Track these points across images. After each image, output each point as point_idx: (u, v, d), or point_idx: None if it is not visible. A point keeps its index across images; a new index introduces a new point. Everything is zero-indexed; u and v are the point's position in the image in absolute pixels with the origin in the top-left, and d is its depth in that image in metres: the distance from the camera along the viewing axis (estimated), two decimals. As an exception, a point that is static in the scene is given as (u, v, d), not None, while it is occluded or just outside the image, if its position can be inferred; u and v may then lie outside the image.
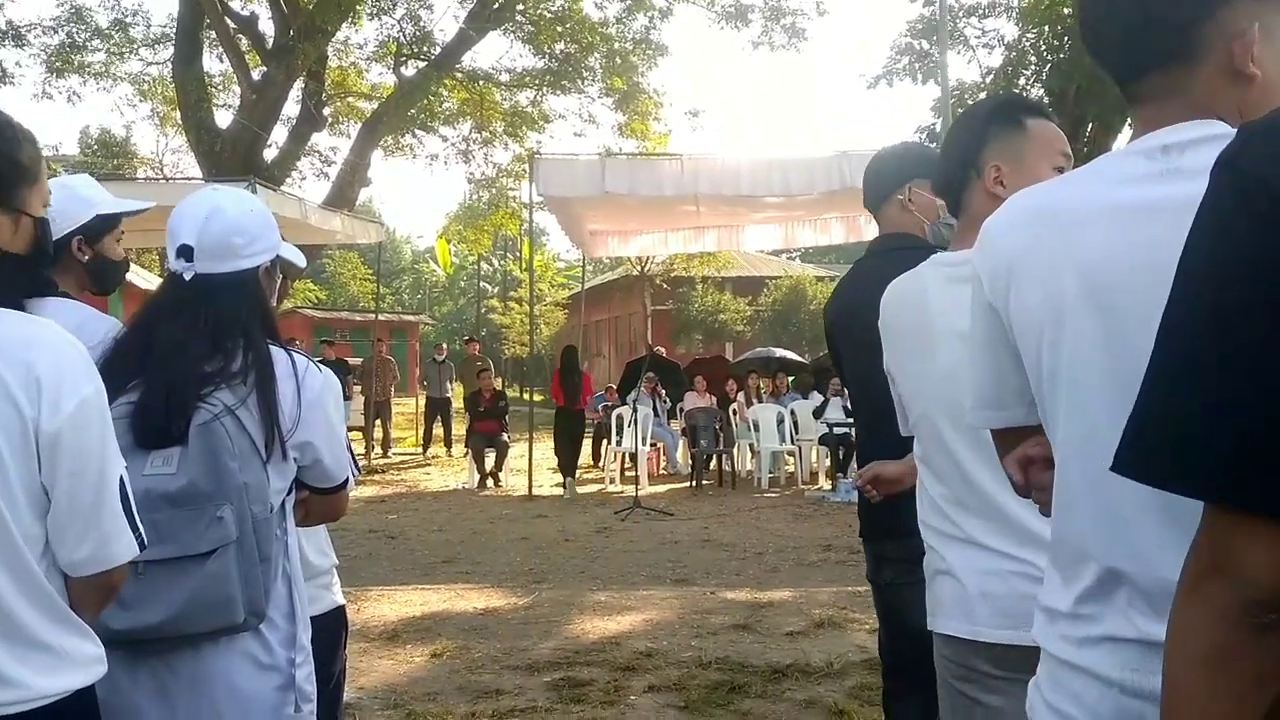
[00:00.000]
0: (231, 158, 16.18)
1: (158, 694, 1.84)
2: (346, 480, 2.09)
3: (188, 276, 1.92)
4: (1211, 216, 0.95)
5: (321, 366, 2.05)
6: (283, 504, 1.92)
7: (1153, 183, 1.20)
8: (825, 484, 13.15)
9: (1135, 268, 1.17)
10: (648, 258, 27.40)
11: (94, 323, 2.17)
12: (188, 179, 17.66)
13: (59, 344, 1.54)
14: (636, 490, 11.47)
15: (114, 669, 1.78)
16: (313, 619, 2.13)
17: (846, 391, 3.43)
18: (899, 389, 2.20)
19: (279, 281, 2.11)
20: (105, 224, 2.35)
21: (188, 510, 1.77)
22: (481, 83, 19.92)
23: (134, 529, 1.59)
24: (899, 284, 2.23)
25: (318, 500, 2.07)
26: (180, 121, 18.36)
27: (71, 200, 2.30)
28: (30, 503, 1.50)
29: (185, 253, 1.92)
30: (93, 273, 2.37)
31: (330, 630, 2.41)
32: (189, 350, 1.87)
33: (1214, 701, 0.90)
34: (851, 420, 13.22)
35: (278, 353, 1.94)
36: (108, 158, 29.17)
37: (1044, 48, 17.22)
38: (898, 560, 2.42)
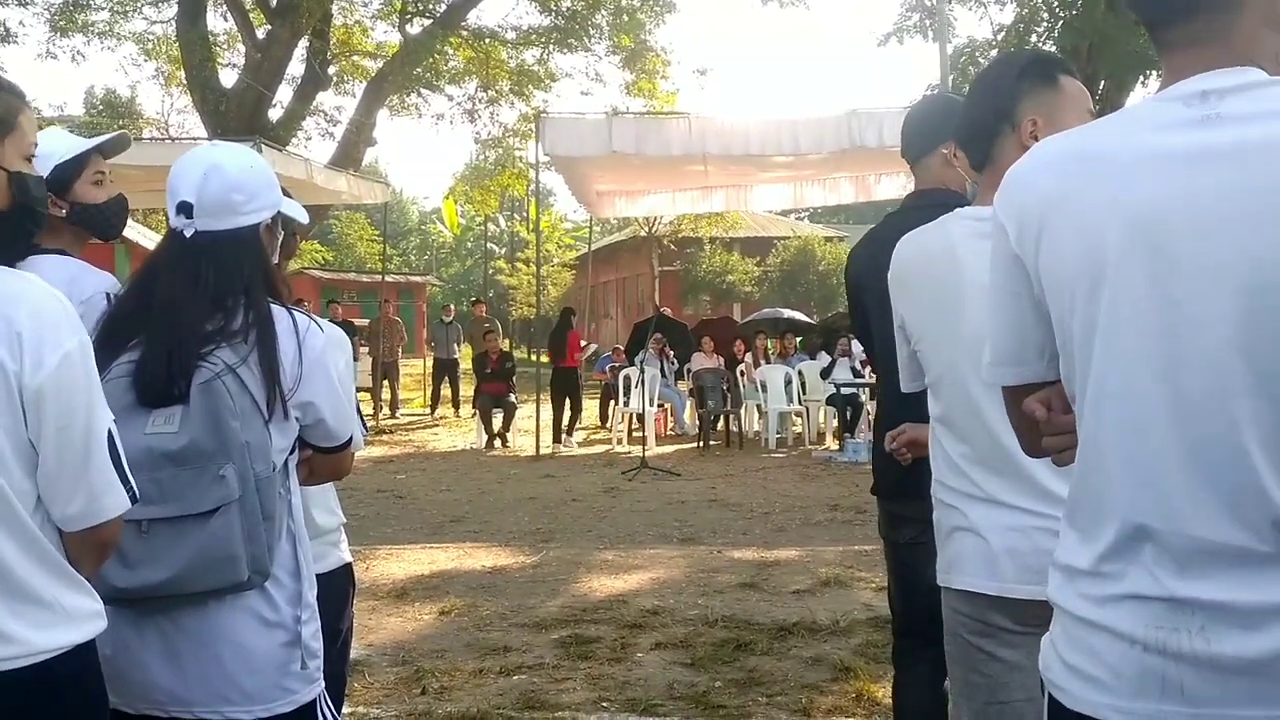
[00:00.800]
0: (237, 117, 16.12)
1: (164, 652, 1.84)
2: (350, 440, 2.08)
3: (188, 234, 1.90)
4: None
5: (325, 324, 2.03)
6: (286, 463, 1.92)
7: (1195, 129, 1.18)
8: (832, 444, 13.16)
9: (1190, 215, 1.15)
10: (655, 218, 27.33)
11: (86, 278, 2.16)
12: (193, 139, 17.60)
13: (40, 298, 1.53)
14: (644, 450, 11.49)
15: (120, 627, 1.79)
16: (320, 576, 2.14)
17: (863, 350, 3.40)
18: (917, 345, 2.17)
19: (281, 238, 2.09)
20: (68, 172, 2.27)
21: (190, 469, 1.77)
22: (487, 41, 19.75)
23: (125, 483, 1.59)
24: (920, 237, 2.21)
25: (321, 459, 2.06)
26: (185, 81, 18.27)
27: (41, 155, 2.24)
28: (19, 459, 1.49)
29: (185, 209, 1.90)
30: (80, 222, 2.32)
31: (338, 587, 2.41)
32: (189, 308, 1.86)
33: None
34: (859, 381, 13.24)
35: (279, 311, 1.93)
36: (113, 118, 29.01)
37: (1056, 4, 17.01)
38: (919, 520, 2.42)
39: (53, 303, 1.54)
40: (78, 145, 2.34)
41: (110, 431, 1.58)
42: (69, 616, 1.55)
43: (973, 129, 2.08)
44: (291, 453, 1.94)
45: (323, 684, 1.96)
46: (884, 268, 2.30)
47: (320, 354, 1.95)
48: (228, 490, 1.77)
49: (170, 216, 1.93)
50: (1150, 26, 1.27)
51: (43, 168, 2.24)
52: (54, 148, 2.27)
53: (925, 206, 2.49)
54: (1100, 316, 1.20)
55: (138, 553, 1.76)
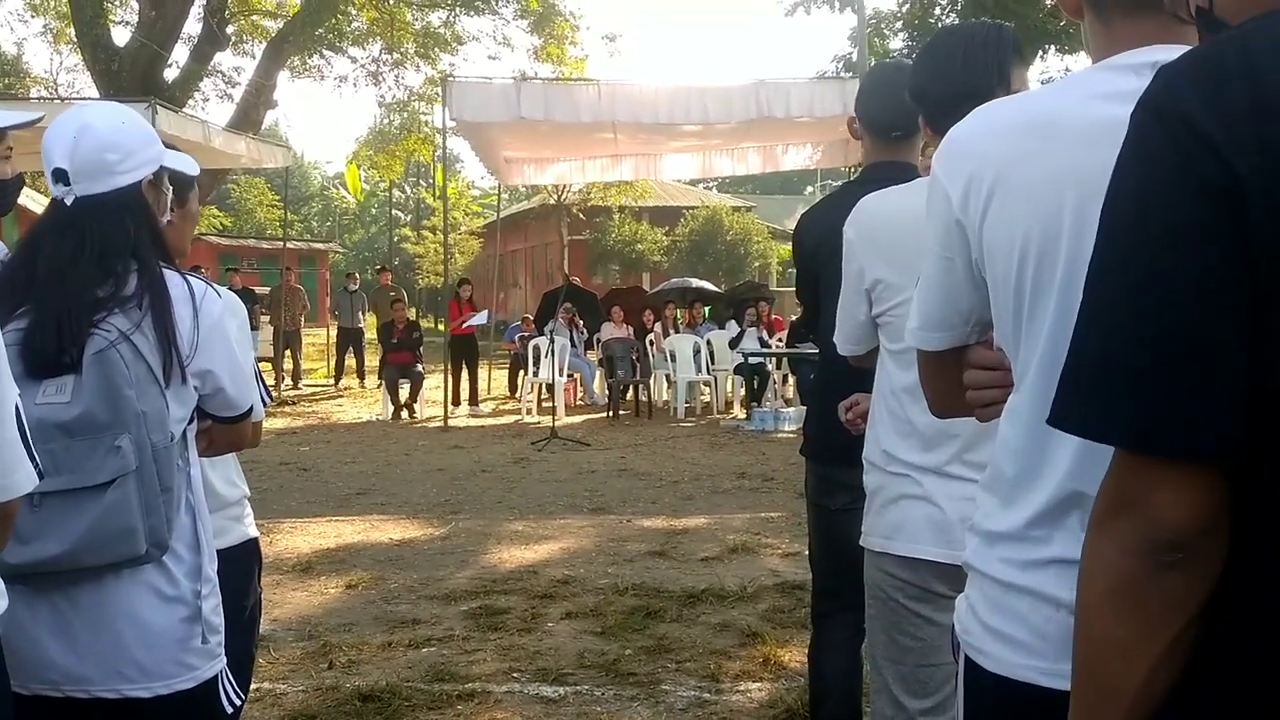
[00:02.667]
0: (130, 77, 15.55)
1: (59, 629, 1.79)
2: (250, 409, 2.03)
3: (68, 201, 1.83)
4: (1134, 157, 0.95)
5: (221, 290, 1.98)
6: (184, 433, 1.86)
7: None
8: (740, 413, 13.29)
9: None
10: (564, 186, 27.16)
11: None
12: (84, 99, 16.91)
13: None
14: (553, 421, 11.47)
15: (12, 604, 1.72)
16: (224, 551, 2.09)
17: (805, 316, 3.36)
18: (891, 308, 2.16)
19: (168, 195, 2.00)
20: None
21: (84, 440, 1.71)
22: (392, 1, 19.34)
23: (31, 459, 1.52)
24: (899, 198, 2.21)
25: (220, 429, 2.01)
26: (75, 39, 17.55)
27: None
28: None
29: (60, 177, 1.82)
30: None
31: (243, 562, 2.36)
32: (76, 274, 1.79)
33: (1121, 630, 0.93)
34: (767, 351, 13.39)
35: (171, 275, 1.87)
36: (-4, 76, 27.75)
37: (960, -22, 17.25)
38: (855, 487, 2.45)
39: None
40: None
41: (17, 406, 1.51)
42: None
43: (964, 91, 1.99)
44: (190, 423, 1.89)
45: (225, 660, 1.91)
46: (842, 234, 2.30)
47: (218, 320, 1.90)
48: (124, 461, 1.72)
49: (50, 186, 1.85)
50: None
51: None
52: None
53: (888, 179, 2.49)
54: (1049, 285, 1.19)
55: (30, 527, 1.69)
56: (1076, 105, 1.21)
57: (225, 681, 1.92)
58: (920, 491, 2.11)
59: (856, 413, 2.50)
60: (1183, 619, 0.92)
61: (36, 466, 1.53)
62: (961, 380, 1.40)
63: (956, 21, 16.16)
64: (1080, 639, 0.97)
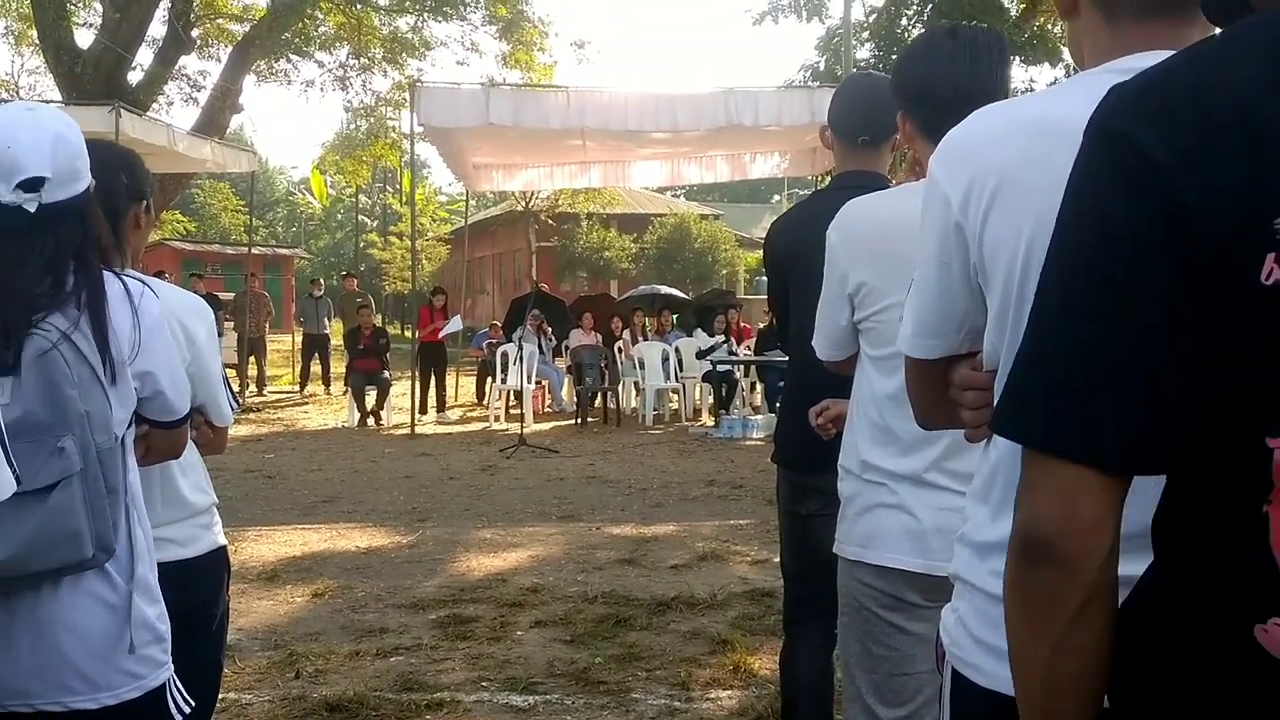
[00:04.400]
0: (93, 80, 15.38)
1: None
2: (188, 415, 1.99)
3: (30, 208, 1.76)
4: (1080, 176, 0.96)
5: (190, 295, 1.95)
6: (124, 436, 1.82)
7: None
8: (708, 421, 13.30)
9: None
10: (532, 193, 27.10)
11: None
12: (46, 102, 16.69)
13: None
14: (522, 428, 11.43)
15: None
16: (192, 560, 2.05)
17: (774, 322, 3.38)
18: (875, 314, 2.15)
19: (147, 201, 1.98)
20: None
21: (24, 443, 1.65)
22: (359, 6, 19.23)
23: (10, 465, 1.49)
24: (877, 202, 2.22)
25: (159, 435, 1.96)
26: (37, 40, 17.32)
27: None
28: None
29: (33, 185, 1.76)
30: None
31: (211, 571, 2.32)
32: (20, 278, 1.74)
33: (1013, 622, 0.99)
34: (735, 358, 13.41)
35: (108, 276, 1.83)
36: (-45, 77, 27.33)
37: (926, -11, 17.40)
38: (827, 492, 2.45)
39: None
40: None
41: None
42: None
43: (973, 94, 1.96)
44: (129, 426, 1.85)
45: (171, 667, 1.87)
46: (817, 240, 2.29)
47: (157, 320, 1.86)
48: (68, 463, 1.67)
49: (3, 192, 1.77)
50: None
51: None
52: None
53: (858, 187, 2.49)
54: None
55: None
56: (1082, 110, 1.16)
57: (174, 690, 1.87)
58: (895, 500, 2.11)
59: (827, 418, 2.51)
60: (1063, 616, 0.94)
61: (15, 473, 1.50)
62: (945, 391, 1.38)
63: (922, 30, 16.29)
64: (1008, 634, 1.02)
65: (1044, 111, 1.24)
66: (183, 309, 2.16)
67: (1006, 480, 1.22)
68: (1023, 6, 17.47)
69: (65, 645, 1.74)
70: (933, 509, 2.06)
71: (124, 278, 1.86)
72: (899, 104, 2.14)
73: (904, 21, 17.46)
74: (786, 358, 3.03)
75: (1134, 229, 0.90)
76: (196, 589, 1.93)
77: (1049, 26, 18.07)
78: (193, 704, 1.91)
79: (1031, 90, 17.73)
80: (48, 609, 1.74)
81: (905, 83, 2.11)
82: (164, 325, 1.88)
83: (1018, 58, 16.54)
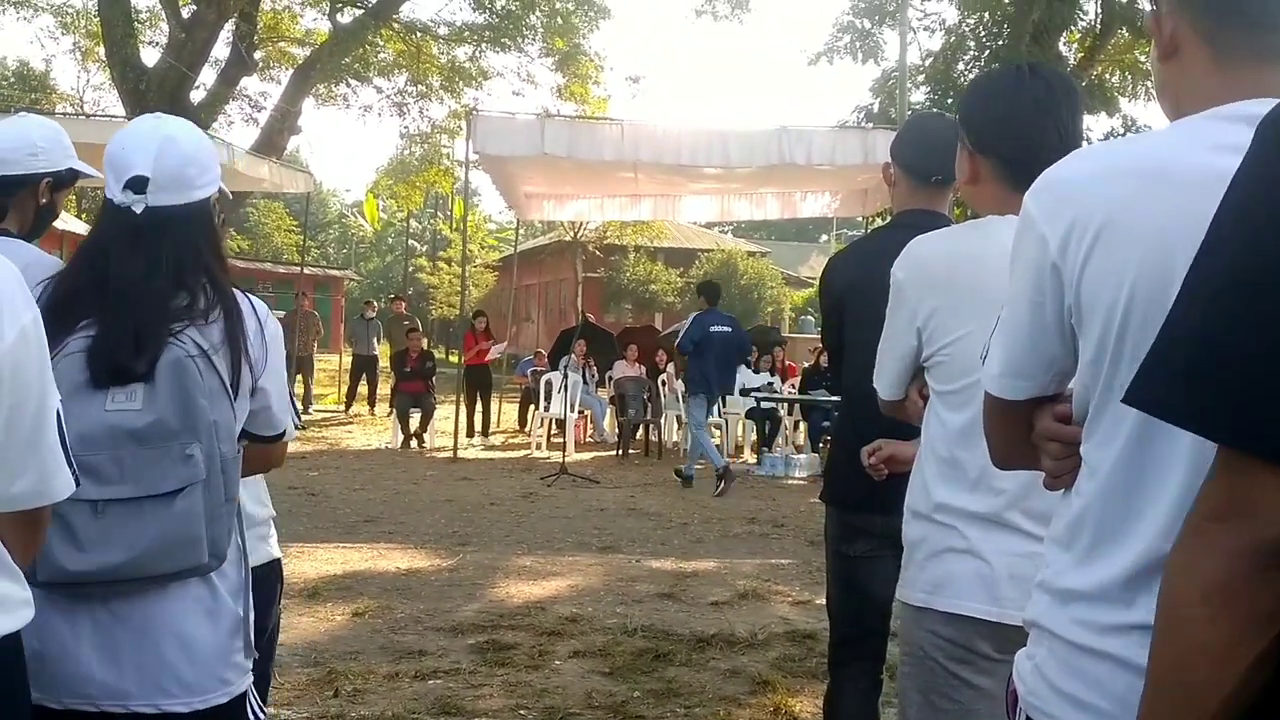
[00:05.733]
0: (157, 97, 15.68)
1: (100, 643, 1.75)
2: (285, 430, 2.03)
3: (138, 209, 1.82)
4: (1254, 170, 0.93)
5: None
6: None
7: None
8: (750, 458, 13.23)
9: None
10: (581, 224, 27.26)
11: (41, 264, 2.06)
12: (109, 117, 17.07)
13: None
14: (563, 456, 11.42)
15: (50, 616, 1.69)
16: (251, 571, 2.05)
17: (826, 359, 3.35)
18: (943, 351, 2.11)
19: (222, 216, 2.02)
20: (72, 178, 2.35)
21: (153, 448, 1.69)
22: (419, 35, 19.57)
23: (70, 466, 1.51)
24: (945, 240, 2.19)
25: (257, 450, 1.99)
26: (104, 57, 17.75)
27: (58, 145, 2.35)
28: None
29: (137, 184, 1.81)
30: (42, 219, 2.34)
31: (267, 583, 2.33)
32: (153, 287, 1.78)
33: (1212, 634, 0.92)
34: (778, 395, 13.35)
35: (237, 293, 1.88)
36: (25, 91, 28.06)
37: (983, 33, 17.41)
38: (877, 534, 2.40)
39: (7, 275, 1.46)
40: (85, 166, 2.44)
41: (58, 412, 1.49)
42: (1, 604, 1.45)
43: (1057, 135, 1.96)
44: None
45: (252, 676, 1.89)
46: (881, 278, 2.26)
47: (275, 338, 1.92)
48: (194, 470, 1.70)
49: (113, 192, 1.84)
50: (1239, 29, 1.19)
51: (63, 161, 2.33)
52: (72, 149, 2.40)
53: (920, 226, 2.47)
54: (1151, 338, 1.13)
55: (92, 534, 1.67)
56: (1191, 155, 1.16)
57: (252, 697, 1.90)
58: (965, 545, 2.03)
59: (880, 458, 2.47)
60: (1274, 630, 0.90)
61: (74, 473, 1.51)
62: (1027, 434, 1.35)
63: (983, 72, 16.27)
64: (1164, 644, 0.95)
65: (1150, 155, 1.21)
66: None
67: (1096, 526, 1.19)
68: (1080, 55, 17.42)
69: (167, 649, 1.77)
70: (1006, 554, 1.99)
71: (246, 294, 1.91)
72: (970, 142, 2.11)
73: (960, 66, 17.44)
74: (831, 397, 3.00)
75: None
76: (252, 599, 1.94)
77: (1107, 76, 18.01)
78: (265, 714, 1.93)
79: (1089, 140, 17.66)
80: (152, 613, 1.76)
81: (981, 121, 2.08)
82: (279, 344, 1.94)
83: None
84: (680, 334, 11.45)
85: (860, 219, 15.61)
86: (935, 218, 2.71)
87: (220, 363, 1.78)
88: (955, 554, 2.05)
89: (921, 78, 18.34)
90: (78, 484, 1.52)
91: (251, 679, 1.89)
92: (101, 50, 17.88)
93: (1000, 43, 16.64)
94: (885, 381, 2.29)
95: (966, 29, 17.89)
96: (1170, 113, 1.27)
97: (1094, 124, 18.47)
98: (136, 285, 1.78)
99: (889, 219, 3.01)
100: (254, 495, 2.30)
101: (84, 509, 1.66)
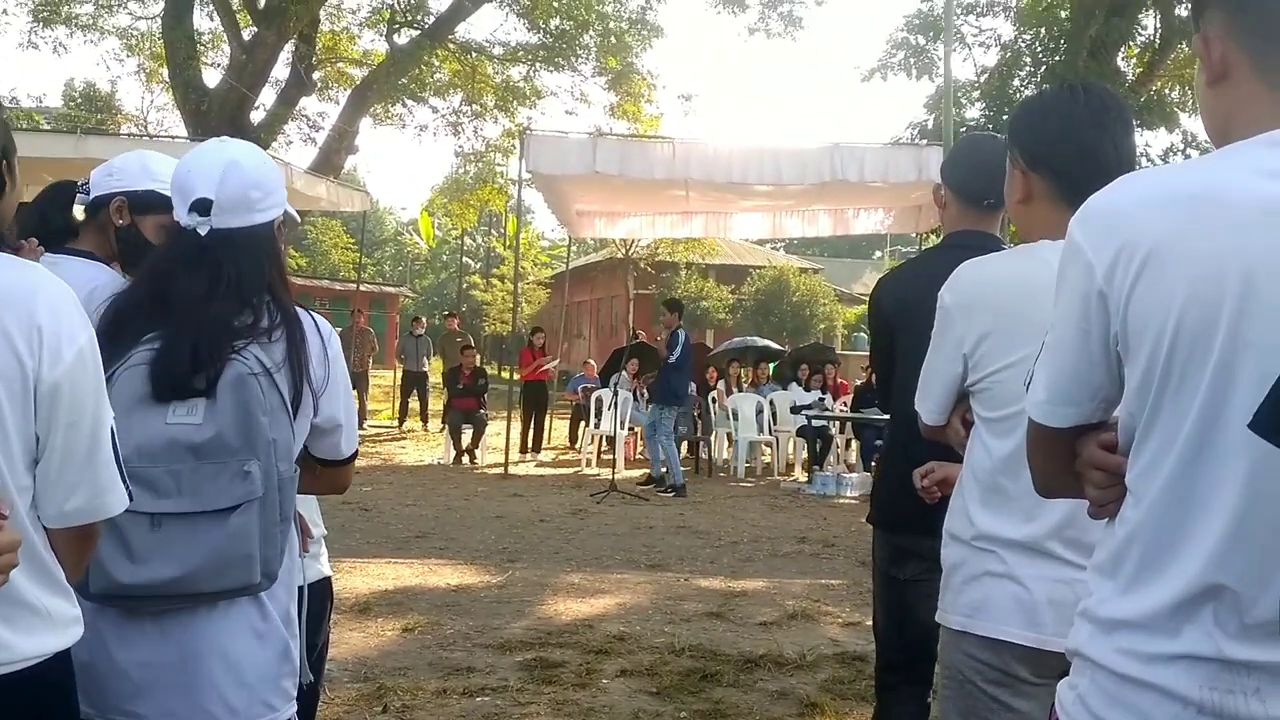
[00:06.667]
0: (218, 118, 16.03)
1: (149, 660, 1.77)
2: (355, 452, 2.04)
3: (202, 231, 1.85)
4: None
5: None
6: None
7: None
8: (801, 476, 13.16)
9: None
10: (632, 241, 27.34)
11: (111, 286, 2.07)
12: (172, 137, 17.46)
13: (56, 291, 1.49)
14: (613, 473, 11.44)
15: (101, 633, 1.72)
16: (300, 589, 2.08)
17: (874, 379, 3.32)
18: (990, 376, 2.10)
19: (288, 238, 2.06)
20: (156, 201, 2.22)
21: (212, 463, 1.71)
22: (474, 55, 19.80)
23: (123, 481, 1.54)
24: (1009, 264, 2.17)
25: (326, 473, 2.01)
26: (167, 79, 18.16)
27: (135, 166, 2.31)
28: (23, 454, 1.44)
29: (202, 206, 1.85)
30: (121, 241, 2.29)
31: (317, 601, 2.35)
32: (214, 305, 1.81)
33: None
34: (830, 414, 13.26)
35: (300, 312, 1.91)
36: (91, 111, 28.78)
37: (1039, 49, 17.24)
38: (927, 557, 2.38)
39: (67, 296, 1.50)
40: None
41: (112, 429, 1.53)
42: (53, 621, 1.48)
43: (1112, 156, 1.95)
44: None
45: (296, 702, 1.90)
46: (932, 299, 2.25)
47: (339, 358, 1.93)
48: (252, 487, 1.72)
49: (180, 214, 1.88)
50: None
51: (140, 181, 2.29)
52: (163, 173, 2.27)
53: (972, 248, 2.45)
54: (1210, 363, 1.13)
55: (147, 548, 1.69)
56: (1241, 181, 1.14)
57: None
58: (1004, 570, 2.02)
59: (933, 480, 2.44)
60: None
61: (128, 490, 1.55)
62: (1071, 462, 1.34)
63: (1037, 90, 16.10)
64: None
65: (1199, 181, 1.19)
66: None
67: (1141, 554, 1.18)
68: (1140, 70, 17.18)
69: (214, 670, 1.78)
70: (1045, 580, 1.97)
71: (312, 314, 1.93)
72: (1023, 161, 2.07)
73: (1015, 82, 17.27)
74: (884, 416, 2.98)
75: None
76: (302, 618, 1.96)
77: (1166, 91, 17.73)
78: None
79: (1147, 155, 17.37)
80: (200, 632, 1.77)
81: (1035, 136, 2.04)
82: (343, 364, 1.95)
83: (1134, 122, 16.25)
84: (678, 345, 11.91)
85: (914, 235, 15.52)
86: (987, 239, 2.69)
87: (282, 381, 1.79)
88: (993, 578, 2.04)
89: (976, 94, 18.20)
90: (131, 499, 1.55)
91: (296, 707, 1.90)
92: (165, 72, 18.27)
93: (1057, 58, 16.46)
94: (929, 406, 2.27)
95: (1023, 44, 17.74)
96: (1218, 139, 1.25)
97: (1153, 139, 18.23)
98: (198, 303, 1.80)
99: (941, 239, 3.00)
100: (306, 513, 2.32)
101: (140, 521, 1.68)
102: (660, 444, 11.63)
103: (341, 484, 2.09)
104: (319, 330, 1.90)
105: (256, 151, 1.97)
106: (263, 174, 1.92)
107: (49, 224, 2.28)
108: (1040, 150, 2.04)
